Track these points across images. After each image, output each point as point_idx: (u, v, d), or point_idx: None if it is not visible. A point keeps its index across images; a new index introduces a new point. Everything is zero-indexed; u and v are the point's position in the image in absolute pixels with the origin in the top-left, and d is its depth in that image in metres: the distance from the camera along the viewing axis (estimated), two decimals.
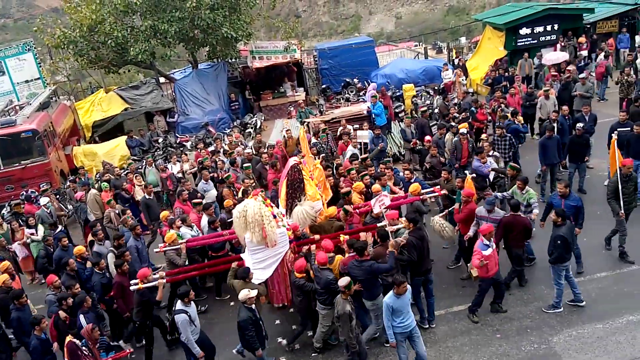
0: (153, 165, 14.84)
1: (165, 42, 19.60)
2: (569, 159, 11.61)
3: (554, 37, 20.09)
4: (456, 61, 19.36)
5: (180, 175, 14.01)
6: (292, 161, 9.08)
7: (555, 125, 11.68)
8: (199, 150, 15.56)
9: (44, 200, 13.11)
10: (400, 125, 17.78)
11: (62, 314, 7.76)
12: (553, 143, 11.09)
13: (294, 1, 61.20)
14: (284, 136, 15.01)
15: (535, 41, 20.17)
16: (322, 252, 7.78)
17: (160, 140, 18.47)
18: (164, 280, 8.16)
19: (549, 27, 20.11)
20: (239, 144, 15.62)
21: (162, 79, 23.22)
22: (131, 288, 7.97)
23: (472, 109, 14.63)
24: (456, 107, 14.96)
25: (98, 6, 19.16)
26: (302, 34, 52.75)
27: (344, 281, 6.99)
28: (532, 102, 14.23)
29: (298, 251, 8.25)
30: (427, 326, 8.32)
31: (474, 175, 10.13)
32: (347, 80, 22.21)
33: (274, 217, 8.01)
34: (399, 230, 8.42)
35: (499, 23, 20.91)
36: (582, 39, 19.80)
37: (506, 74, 17.50)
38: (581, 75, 14.72)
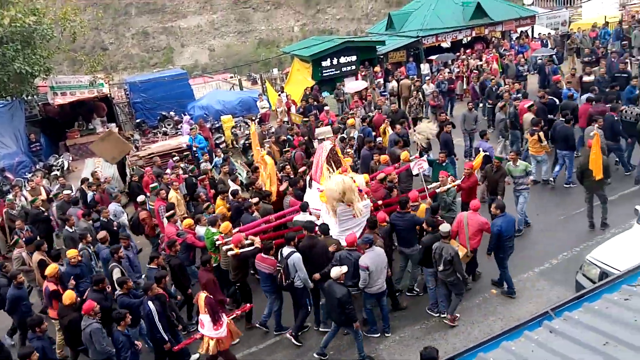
0: None
1: None
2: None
3: (353, 67, 22.10)
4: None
5: None
6: (327, 145, 10.07)
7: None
8: None
9: None
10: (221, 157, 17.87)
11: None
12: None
13: (99, 34, 57.94)
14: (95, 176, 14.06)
15: (338, 71, 21.97)
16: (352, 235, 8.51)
17: None
18: (259, 243, 8.79)
19: (348, 58, 22.06)
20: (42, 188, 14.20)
21: None
22: (229, 254, 8.77)
23: (289, 136, 15.37)
24: (274, 135, 15.61)
25: None
26: (111, 67, 50.14)
27: (446, 227, 8.10)
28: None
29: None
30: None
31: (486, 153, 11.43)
32: (164, 113, 21.70)
33: (360, 191, 9.11)
34: (449, 190, 9.86)
35: (305, 55, 22.35)
36: (377, 68, 22.11)
37: (315, 102, 18.71)
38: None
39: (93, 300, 7.75)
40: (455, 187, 10.10)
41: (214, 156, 17.14)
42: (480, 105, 17.71)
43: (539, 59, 19.82)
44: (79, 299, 8.17)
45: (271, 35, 59.68)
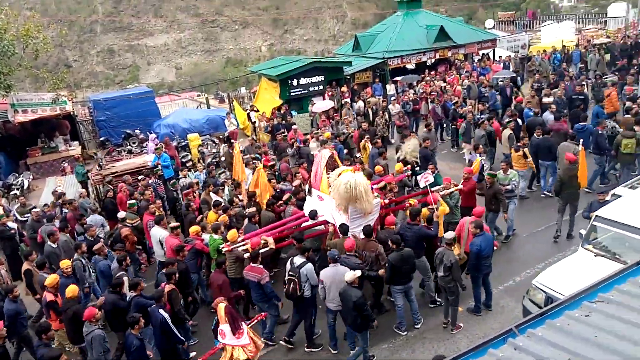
0: None
1: None
2: None
3: (321, 87, 22.30)
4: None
5: None
6: (326, 153, 10.29)
7: None
8: None
9: None
10: (189, 175, 17.69)
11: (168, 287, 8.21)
12: None
13: (63, 51, 57.02)
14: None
15: (306, 91, 22.11)
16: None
17: None
18: (272, 244, 9.25)
19: (316, 78, 22.26)
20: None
21: None
22: (245, 256, 8.99)
23: (257, 155, 15.34)
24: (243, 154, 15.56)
25: None
26: (75, 84, 49.30)
27: (450, 235, 8.51)
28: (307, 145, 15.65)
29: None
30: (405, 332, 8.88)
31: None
32: (128, 131, 21.39)
33: (372, 188, 9.51)
34: (452, 194, 10.38)
35: (273, 75, 22.45)
36: (344, 89, 22.38)
37: (283, 121, 18.77)
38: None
39: (110, 301, 8.22)
40: (458, 191, 10.55)
41: (179, 176, 17.03)
42: (445, 125, 18.14)
43: (500, 81, 20.44)
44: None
45: (239, 55, 59.90)
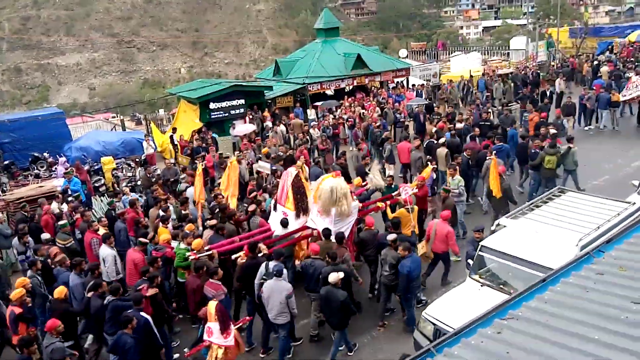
0: None
1: None
2: None
3: (242, 110, 22.21)
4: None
5: None
6: (293, 171, 10.53)
7: None
8: None
9: None
10: (101, 200, 16.89)
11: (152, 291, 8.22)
12: None
13: None
14: None
15: (227, 114, 21.93)
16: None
17: None
18: (265, 249, 9.25)
19: (236, 102, 22.17)
20: None
21: None
22: (238, 262, 9.12)
23: (174, 179, 14.97)
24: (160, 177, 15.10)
25: None
26: None
27: (392, 236, 9.20)
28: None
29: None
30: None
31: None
32: (36, 154, 20.13)
33: (351, 192, 10.04)
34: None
35: (193, 97, 22.11)
36: (266, 113, 22.44)
37: (204, 145, 18.46)
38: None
39: (96, 306, 8.29)
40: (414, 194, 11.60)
41: (92, 202, 16.22)
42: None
43: (415, 108, 21.36)
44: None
45: (157, 76, 58.61)
